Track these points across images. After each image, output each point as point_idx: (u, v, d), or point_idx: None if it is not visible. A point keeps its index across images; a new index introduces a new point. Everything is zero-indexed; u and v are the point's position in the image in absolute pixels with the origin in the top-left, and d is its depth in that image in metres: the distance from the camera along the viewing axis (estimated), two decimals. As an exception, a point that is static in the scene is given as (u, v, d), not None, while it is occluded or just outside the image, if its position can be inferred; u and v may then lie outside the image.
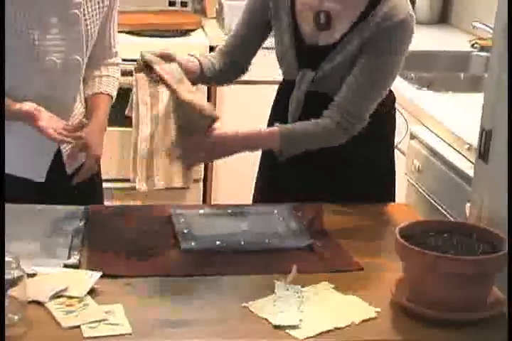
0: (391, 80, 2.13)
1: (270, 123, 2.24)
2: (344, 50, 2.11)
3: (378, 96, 2.12)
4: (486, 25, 3.47)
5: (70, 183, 2.25)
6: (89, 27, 2.15)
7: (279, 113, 2.25)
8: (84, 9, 2.13)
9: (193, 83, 2.10)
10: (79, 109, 2.28)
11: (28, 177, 2.18)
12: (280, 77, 2.30)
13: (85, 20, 2.14)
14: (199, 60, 2.17)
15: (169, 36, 3.68)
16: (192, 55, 2.19)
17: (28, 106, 2.08)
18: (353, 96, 2.08)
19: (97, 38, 2.22)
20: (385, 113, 2.23)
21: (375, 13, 2.07)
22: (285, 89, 2.24)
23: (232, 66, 2.25)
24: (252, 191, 2.41)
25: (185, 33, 3.74)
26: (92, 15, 2.16)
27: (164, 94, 3.55)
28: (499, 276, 1.67)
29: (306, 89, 2.16)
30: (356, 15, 2.10)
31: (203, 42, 3.65)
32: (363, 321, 1.63)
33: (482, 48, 3.63)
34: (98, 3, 2.16)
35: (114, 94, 2.36)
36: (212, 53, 2.28)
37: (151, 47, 3.57)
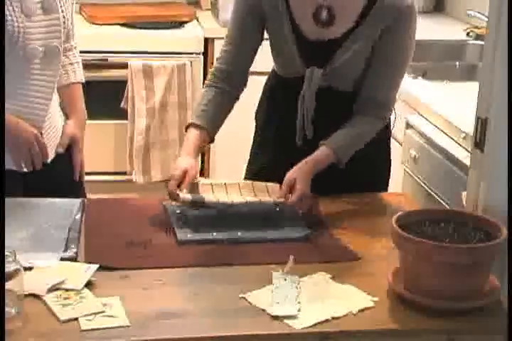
0: (409, 62, 2.17)
1: (270, 121, 2.25)
2: (355, 43, 2.10)
3: (401, 80, 2.18)
4: (481, 14, 3.46)
5: (50, 174, 2.23)
6: (64, 14, 2.18)
7: (281, 111, 2.24)
8: None
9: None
10: (53, 98, 2.27)
11: (12, 169, 2.17)
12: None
13: (60, 6, 2.16)
14: (206, 130, 2.13)
15: (163, 28, 3.68)
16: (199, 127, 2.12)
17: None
18: (378, 86, 2.13)
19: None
20: None
21: (382, 1, 2.07)
22: (286, 87, 2.22)
23: (236, 82, 2.21)
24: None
25: (179, 24, 3.73)
26: (65, 3, 2.19)
27: (159, 86, 3.58)
28: (496, 264, 1.67)
29: (316, 87, 2.14)
30: (361, 6, 2.09)
31: (197, 35, 3.64)
32: (361, 310, 1.63)
33: (477, 37, 3.63)
34: None
35: (83, 78, 2.39)
36: (210, 83, 2.19)
37: (145, 39, 3.60)
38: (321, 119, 2.17)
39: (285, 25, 2.13)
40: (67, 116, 2.37)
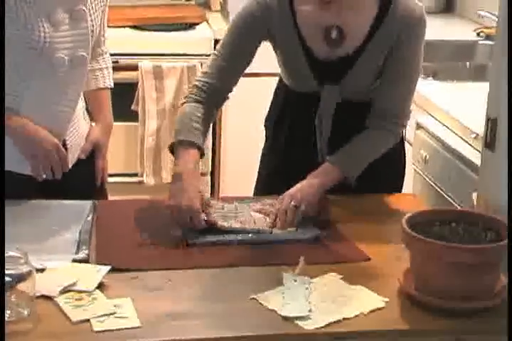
0: (419, 72, 2.18)
1: (281, 131, 2.25)
2: (368, 57, 2.10)
3: (414, 90, 2.18)
4: (492, 14, 3.46)
5: (71, 179, 2.20)
6: (93, 23, 2.15)
7: (295, 125, 2.23)
8: (88, 5, 2.13)
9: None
10: (79, 105, 2.27)
11: (30, 174, 2.16)
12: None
13: (90, 15, 2.14)
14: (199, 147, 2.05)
15: (173, 30, 3.68)
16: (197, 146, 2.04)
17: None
18: (393, 98, 2.13)
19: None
20: None
21: (392, 14, 2.07)
22: (300, 102, 2.21)
23: (220, 101, 2.18)
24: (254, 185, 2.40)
25: (189, 26, 3.73)
26: (95, 11, 2.16)
27: (169, 88, 3.59)
28: (505, 264, 1.67)
29: (335, 105, 2.14)
30: (370, 21, 2.09)
31: (207, 36, 3.64)
32: (371, 311, 1.64)
33: (487, 37, 3.62)
34: None
35: (112, 83, 2.40)
36: (192, 96, 2.13)
37: (156, 41, 3.60)
38: (338, 131, 2.16)
39: (296, 46, 2.12)
40: (92, 120, 2.36)
